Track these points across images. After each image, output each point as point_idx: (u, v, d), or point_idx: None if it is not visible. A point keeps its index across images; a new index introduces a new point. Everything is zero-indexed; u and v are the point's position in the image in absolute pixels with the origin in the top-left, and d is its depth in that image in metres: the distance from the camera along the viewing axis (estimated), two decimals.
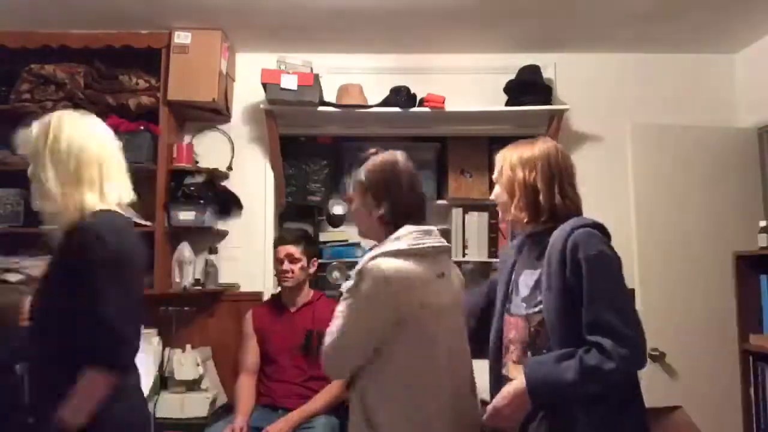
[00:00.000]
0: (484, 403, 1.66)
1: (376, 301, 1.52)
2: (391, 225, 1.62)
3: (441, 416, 1.55)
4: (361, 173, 1.67)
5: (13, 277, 2.86)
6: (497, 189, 1.74)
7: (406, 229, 1.59)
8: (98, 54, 2.95)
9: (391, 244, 1.57)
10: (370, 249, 1.61)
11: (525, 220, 1.65)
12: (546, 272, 1.56)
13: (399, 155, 1.70)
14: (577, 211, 1.68)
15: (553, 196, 1.63)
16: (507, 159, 1.72)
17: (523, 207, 1.64)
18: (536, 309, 1.58)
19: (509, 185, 1.68)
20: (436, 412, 1.54)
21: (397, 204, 1.63)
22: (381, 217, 1.63)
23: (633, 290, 2.73)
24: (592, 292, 1.47)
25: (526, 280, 1.66)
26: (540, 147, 1.70)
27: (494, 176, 1.77)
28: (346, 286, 1.58)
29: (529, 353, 1.58)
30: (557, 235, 1.56)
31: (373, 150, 1.72)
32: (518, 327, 1.63)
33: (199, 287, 3.00)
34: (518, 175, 1.66)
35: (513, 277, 1.72)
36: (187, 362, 2.75)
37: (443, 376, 1.57)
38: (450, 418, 1.57)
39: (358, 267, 1.56)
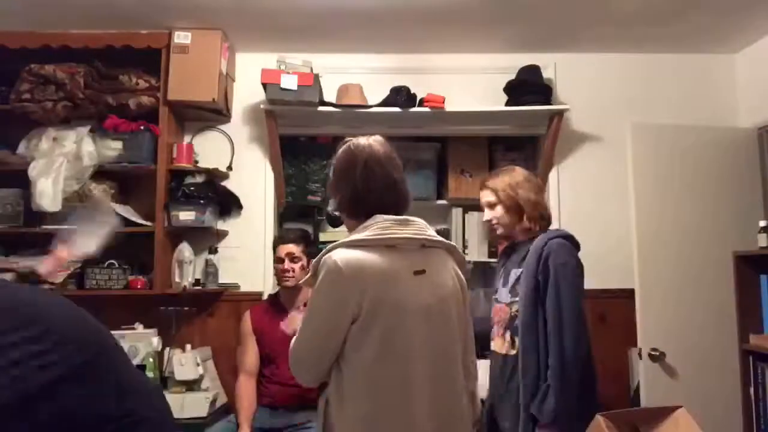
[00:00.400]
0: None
1: (329, 295, 1.40)
2: (353, 216, 1.50)
3: (409, 424, 1.41)
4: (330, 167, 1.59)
5: (12, 278, 2.86)
6: (498, 211, 2.08)
7: (374, 219, 1.45)
8: (98, 54, 2.95)
9: (353, 234, 1.45)
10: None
11: (537, 228, 2.04)
12: (525, 271, 1.98)
13: (363, 141, 1.54)
14: (550, 220, 2.13)
15: (545, 207, 2.10)
16: (503, 185, 2.07)
17: (533, 218, 2.04)
18: (515, 299, 2.01)
19: (513, 204, 2.05)
20: (401, 421, 1.40)
21: (349, 194, 1.50)
22: (337, 209, 1.53)
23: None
24: (554, 292, 1.91)
25: (512, 276, 2.06)
26: (522, 172, 2.13)
27: (488, 201, 2.11)
28: (306, 281, 1.49)
29: (508, 332, 2.01)
30: (537, 243, 1.98)
31: (347, 139, 1.58)
32: (502, 312, 2.07)
33: (199, 287, 3.00)
34: (521, 194, 2.04)
35: (502, 273, 2.14)
36: (187, 362, 2.75)
37: (417, 383, 1.41)
38: (425, 426, 1.42)
39: (315, 260, 1.46)
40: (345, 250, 1.42)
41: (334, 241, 1.40)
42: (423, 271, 1.46)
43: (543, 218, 2.07)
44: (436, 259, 1.52)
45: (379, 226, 1.44)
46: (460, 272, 1.58)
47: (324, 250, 1.45)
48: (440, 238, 1.56)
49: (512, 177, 2.09)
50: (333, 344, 1.41)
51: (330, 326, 1.41)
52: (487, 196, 2.13)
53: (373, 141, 1.55)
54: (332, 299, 1.40)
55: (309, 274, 1.46)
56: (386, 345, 1.39)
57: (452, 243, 1.60)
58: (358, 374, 1.40)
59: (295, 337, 1.48)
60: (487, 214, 2.14)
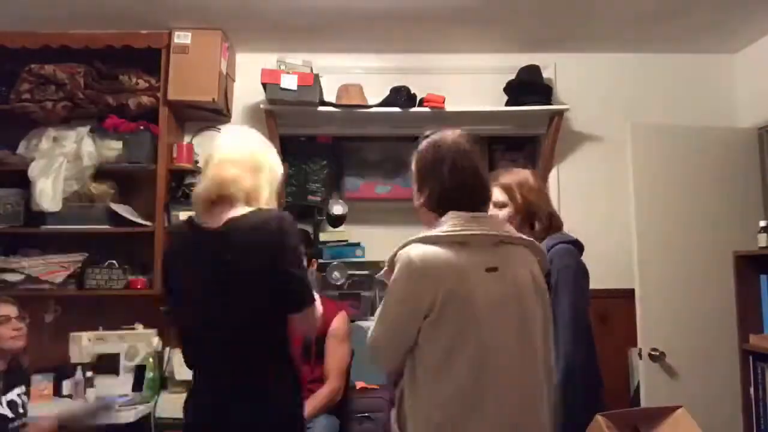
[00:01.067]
0: None
1: (404, 288, 1.44)
2: (437, 212, 1.51)
3: (486, 414, 1.40)
4: (412, 162, 1.60)
5: (12, 277, 2.86)
6: (509, 211, 2.00)
7: (449, 215, 1.47)
8: (98, 54, 2.95)
9: (428, 231, 1.48)
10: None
11: (544, 233, 1.98)
12: None
13: (448, 135, 1.56)
14: (560, 223, 2.07)
15: (554, 211, 2.06)
16: (516, 185, 2.02)
17: (543, 220, 2.00)
18: None
19: (526, 207, 1.99)
20: (466, 420, 1.40)
21: (438, 189, 1.51)
22: (424, 204, 1.53)
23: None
24: (554, 296, 1.82)
25: None
26: (532, 175, 2.08)
27: (500, 200, 2.00)
28: (379, 276, 1.52)
29: None
30: (543, 247, 1.85)
31: (427, 132, 1.60)
32: None
33: None
34: (532, 199, 2.00)
35: None
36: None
37: (492, 377, 1.41)
38: (503, 418, 1.41)
39: (390, 255, 1.49)
40: (419, 245, 1.45)
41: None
42: (495, 269, 1.46)
43: (552, 225, 2.02)
44: (512, 256, 1.51)
45: (451, 222, 1.46)
46: (539, 270, 1.55)
47: (400, 245, 1.48)
48: (519, 235, 1.55)
49: (524, 179, 2.04)
50: (407, 335, 1.45)
51: (404, 318, 1.45)
52: (496, 195, 2.06)
53: (458, 137, 1.57)
54: (407, 293, 1.44)
55: (385, 268, 1.50)
56: (458, 339, 1.41)
57: (531, 239, 1.58)
58: (430, 366, 1.43)
59: (371, 327, 1.52)
60: (492, 212, 2.10)
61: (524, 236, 1.57)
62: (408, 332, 1.44)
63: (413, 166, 1.59)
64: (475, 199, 1.52)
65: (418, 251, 1.43)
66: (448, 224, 1.46)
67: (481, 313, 1.42)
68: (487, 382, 1.42)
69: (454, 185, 1.50)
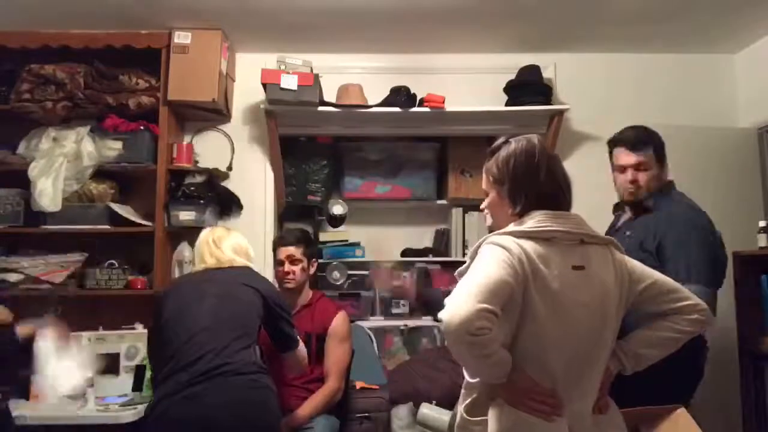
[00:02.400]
0: None
1: (495, 259, 1.36)
2: (523, 213, 1.49)
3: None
4: (494, 166, 1.56)
5: (12, 277, 2.86)
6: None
7: (534, 213, 1.46)
8: (98, 54, 2.95)
9: (510, 227, 1.46)
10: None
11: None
12: None
13: (535, 140, 1.54)
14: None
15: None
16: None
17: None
18: None
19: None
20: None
21: (534, 196, 1.49)
22: (518, 214, 1.49)
23: None
24: None
25: None
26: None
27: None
28: (460, 271, 1.46)
29: None
30: None
31: (502, 139, 1.58)
32: None
33: None
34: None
35: None
36: None
37: (559, 386, 1.41)
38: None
39: (472, 249, 1.46)
40: (506, 237, 1.42)
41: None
42: (582, 267, 1.44)
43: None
44: (596, 255, 1.48)
45: (537, 219, 1.44)
46: (621, 269, 1.50)
47: (483, 238, 1.45)
48: (600, 235, 1.54)
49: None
50: (505, 292, 1.34)
51: (500, 277, 1.33)
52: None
53: (544, 143, 1.58)
54: (499, 261, 1.36)
55: (467, 263, 1.45)
56: (536, 340, 1.39)
57: (611, 238, 1.56)
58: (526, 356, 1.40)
59: (450, 296, 1.37)
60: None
61: (605, 236, 1.55)
62: (505, 290, 1.33)
63: (498, 173, 1.55)
64: (558, 201, 1.50)
65: (506, 239, 1.40)
66: (534, 220, 1.44)
67: (566, 309, 1.39)
68: (572, 394, 1.42)
69: (546, 191, 1.49)
